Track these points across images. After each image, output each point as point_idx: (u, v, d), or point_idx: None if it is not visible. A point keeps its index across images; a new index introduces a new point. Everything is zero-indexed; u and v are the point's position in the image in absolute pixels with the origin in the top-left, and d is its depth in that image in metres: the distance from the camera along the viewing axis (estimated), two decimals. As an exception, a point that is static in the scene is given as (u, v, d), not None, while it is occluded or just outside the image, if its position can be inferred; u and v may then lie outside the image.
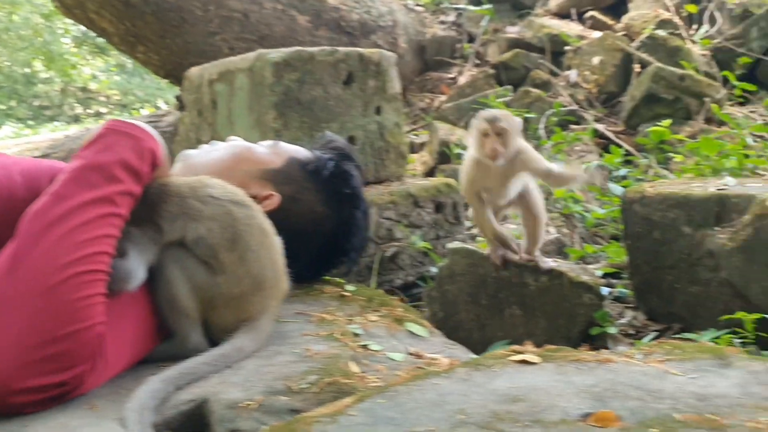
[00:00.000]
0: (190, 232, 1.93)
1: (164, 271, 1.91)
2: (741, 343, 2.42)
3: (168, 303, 1.90)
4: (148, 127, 1.95)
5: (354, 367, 1.76)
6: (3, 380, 1.56)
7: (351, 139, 3.51)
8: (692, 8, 6.27)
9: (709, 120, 5.25)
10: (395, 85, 3.67)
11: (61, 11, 6.00)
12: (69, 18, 6.12)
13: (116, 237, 1.78)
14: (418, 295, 3.30)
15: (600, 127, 5.45)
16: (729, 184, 2.94)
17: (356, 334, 2.03)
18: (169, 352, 1.90)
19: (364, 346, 1.93)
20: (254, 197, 2.23)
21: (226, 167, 2.27)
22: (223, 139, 3.63)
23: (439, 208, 3.49)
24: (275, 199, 2.29)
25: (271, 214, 2.17)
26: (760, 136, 4.57)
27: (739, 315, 2.43)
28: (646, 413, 1.39)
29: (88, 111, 23.21)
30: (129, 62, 21.51)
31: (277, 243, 2.05)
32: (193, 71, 3.89)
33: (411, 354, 1.96)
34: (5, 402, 1.58)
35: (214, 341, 1.93)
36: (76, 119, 21.14)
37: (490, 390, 1.51)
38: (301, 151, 2.46)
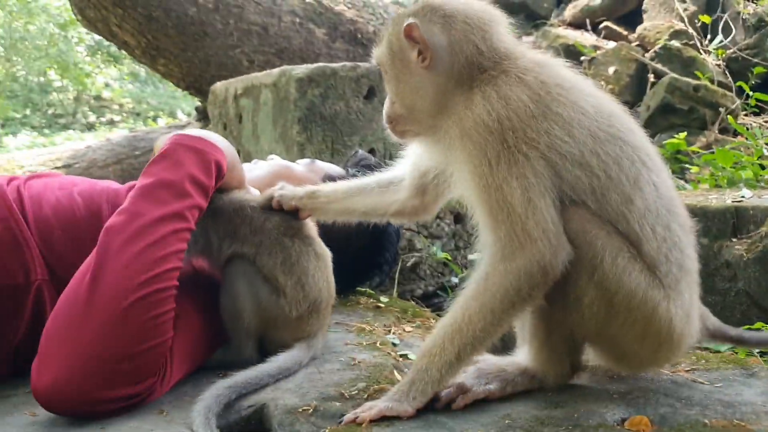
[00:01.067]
0: (251, 249, 2.01)
1: (232, 284, 1.97)
2: (759, 352, 2.46)
3: (231, 316, 1.97)
4: (213, 137, 2.01)
5: (398, 375, 1.83)
6: (79, 392, 1.64)
7: (371, 152, 3.58)
8: (706, 18, 6.31)
9: (724, 130, 5.29)
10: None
11: (83, 24, 6.10)
12: (92, 31, 6.23)
13: (184, 250, 1.86)
14: (439, 304, 3.36)
15: (615, 137, 5.48)
16: (745, 196, 2.99)
17: (394, 344, 2.11)
18: (224, 360, 1.97)
19: (403, 356, 2.00)
20: None
21: (267, 185, 2.35)
22: (248, 152, 3.73)
23: (458, 219, 3.56)
24: None
25: None
26: (775, 147, 4.61)
27: (759, 325, 2.47)
28: (678, 418, 1.51)
29: (102, 119, 23.41)
30: (142, 71, 21.71)
31: (329, 264, 2.11)
32: (219, 86, 3.98)
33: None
34: (81, 409, 1.67)
35: (265, 353, 2.00)
36: (90, 127, 21.33)
37: (532, 396, 1.64)
38: (335, 169, 2.54)
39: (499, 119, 1.50)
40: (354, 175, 2.49)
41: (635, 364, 1.66)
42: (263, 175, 2.42)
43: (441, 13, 1.63)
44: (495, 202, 1.50)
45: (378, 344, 2.08)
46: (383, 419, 1.53)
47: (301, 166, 2.51)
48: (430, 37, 1.61)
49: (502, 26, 1.68)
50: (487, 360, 1.71)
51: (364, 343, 2.09)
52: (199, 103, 7.01)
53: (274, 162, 2.50)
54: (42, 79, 22.79)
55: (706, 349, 2.59)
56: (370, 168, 2.55)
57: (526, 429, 1.47)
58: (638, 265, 1.52)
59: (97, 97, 24.45)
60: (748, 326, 2.53)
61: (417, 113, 1.68)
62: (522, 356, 1.71)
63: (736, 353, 2.45)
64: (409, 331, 2.24)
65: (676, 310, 1.54)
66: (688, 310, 1.57)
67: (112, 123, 22.69)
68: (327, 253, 2.12)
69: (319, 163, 2.57)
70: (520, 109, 1.51)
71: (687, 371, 1.79)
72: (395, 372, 1.84)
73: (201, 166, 1.92)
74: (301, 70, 3.37)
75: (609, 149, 1.54)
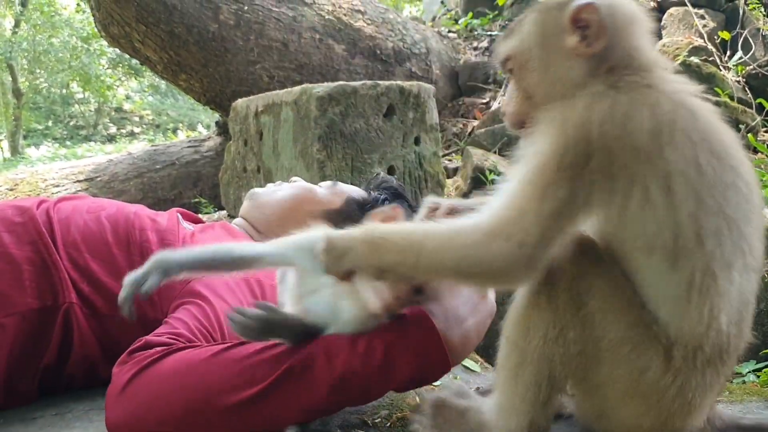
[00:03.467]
0: None
1: None
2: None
3: None
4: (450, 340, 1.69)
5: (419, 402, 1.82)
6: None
7: (390, 169, 3.61)
8: (726, 35, 6.30)
9: (744, 147, 5.26)
10: (434, 116, 3.77)
11: (107, 41, 6.18)
12: (114, 47, 6.30)
13: None
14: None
15: (634, 153, 5.46)
16: (766, 216, 2.98)
17: None
18: None
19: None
20: None
21: (290, 207, 2.38)
22: (269, 170, 3.76)
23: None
24: None
25: None
26: (796, 165, 4.58)
27: (775, 349, 2.47)
28: None
29: (122, 131, 23.69)
30: (162, 83, 21.95)
31: None
32: (240, 102, 4.02)
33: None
34: None
35: None
36: (111, 139, 21.60)
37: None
38: (357, 191, 2.56)
39: (602, 134, 1.33)
40: (376, 198, 2.51)
41: (615, 425, 1.49)
42: (287, 197, 2.45)
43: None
44: (519, 189, 1.36)
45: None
46: None
47: (323, 188, 2.53)
48: (603, 18, 1.47)
49: (648, 30, 1.55)
50: (451, 399, 1.62)
51: (384, 368, 2.10)
52: (219, 118, 7.08)
53: (298, 184, 2.53)
54: (64, 91, 23.14)
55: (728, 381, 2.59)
56: (392, 191, 2.57)
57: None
58: (639, 325, 1.40)
59: (118, 109, 24.78)
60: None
61: (552, 100, 1.48)
62: (487, 402, 1.58)
63: (756, 374, 2.45)
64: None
65: (674, 386, 1.39)
66: (695, 400, 1.41)
67: (132, 134, 22.97)
68: None
69: (341, 185, 2.59)
70: (635, 135, 1.34)
71: (711, 403, 1.78)
72: (416, 398, 1.85)
73: (413, 380, 1.67)
74: (321, 88, 3.40)
75: (708, 223, 1.35)
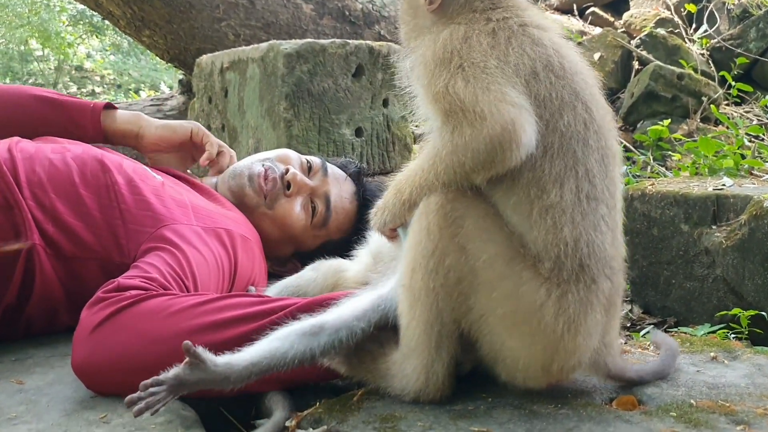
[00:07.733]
0: None
1: None
2: (735, 337, 2.52)
3: None
4: None
5: None
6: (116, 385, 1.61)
7: (358, 131, 3.58)
8: (692, 8, 6.36)
9: (705, 119, 5.35)
10: (403, 78, 3.74)
11: (68, -7, 6.02)
12: (77, 1, 6.14)
13: None
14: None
15: (599, 122, 5.51)
16: (726, 185, 3.03)
17: None
18: None
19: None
20: None
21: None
22: (234, 127, 3.72)
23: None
24: None
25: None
26: (756, 137, 4.68)
27: (736, 311, 2.52)
28: (664, 398, 1.56)
29: (83, 90, 23.16)
30: (125, 42, 21.45)
31: None
32: (205, 58, 3.94)
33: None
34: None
35: None
36: (71, 98, 21.07)
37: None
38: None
39: (451, 51, 1.50)
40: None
41: (513, 365, 1.51)
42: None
43: None
44: (445, 103, 1.46)
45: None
46: None
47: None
48: None
49: None
50: (368, 344, 1.65)
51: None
52: (182, 76, 6.95)
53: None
54: (23, 47, 22.48)
55: (681, 332, 2.65)
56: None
57: (515, 406, 1.51)
58: (509, 241, 1.47)
59: (79, 68, 24.17)
60: (724, 311, 2.59)
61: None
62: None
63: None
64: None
65: (551, 301, 1.44)
66: (579, 318, 1.45)
67: (93, 94, 22.45)
68: None
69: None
70: (475, 47, 1.49)
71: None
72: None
73: None
74: (289, 45, 3.35)
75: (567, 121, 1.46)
